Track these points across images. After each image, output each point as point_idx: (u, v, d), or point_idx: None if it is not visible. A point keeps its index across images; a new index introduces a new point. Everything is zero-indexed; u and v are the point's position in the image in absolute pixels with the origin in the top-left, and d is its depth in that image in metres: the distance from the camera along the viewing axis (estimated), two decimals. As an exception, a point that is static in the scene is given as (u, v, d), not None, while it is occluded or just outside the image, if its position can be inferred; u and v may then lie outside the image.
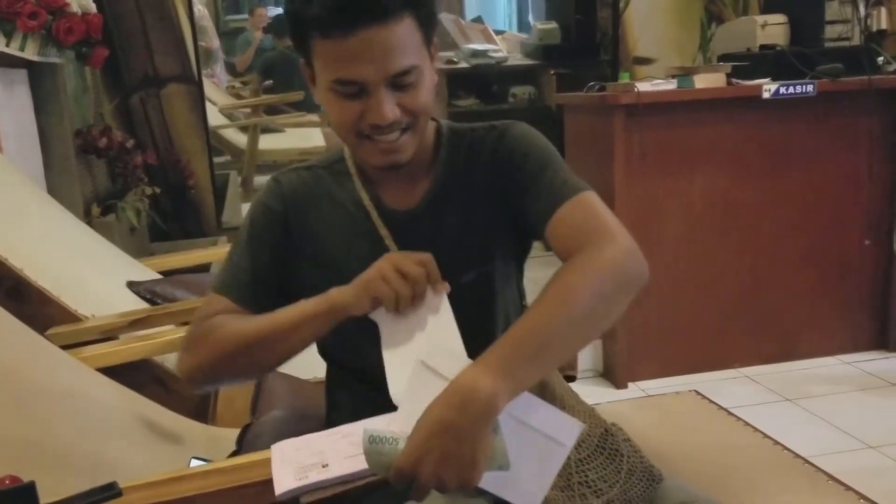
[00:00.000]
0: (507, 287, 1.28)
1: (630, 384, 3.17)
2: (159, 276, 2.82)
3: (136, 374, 2.00)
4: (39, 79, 3.14)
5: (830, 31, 3.40)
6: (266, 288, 1.23)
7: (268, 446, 1.40)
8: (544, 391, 1.15)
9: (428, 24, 1.13)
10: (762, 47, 3.26)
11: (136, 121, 4.36)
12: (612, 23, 4.68)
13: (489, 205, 1.23)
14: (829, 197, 3.22)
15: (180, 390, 2.08)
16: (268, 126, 6.14)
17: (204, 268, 3.14)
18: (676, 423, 2.82)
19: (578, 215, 1.12)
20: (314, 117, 5.92)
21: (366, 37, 1.06)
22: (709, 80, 3.07)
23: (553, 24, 5.11)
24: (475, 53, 5.23)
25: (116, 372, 1.89)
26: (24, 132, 3.07)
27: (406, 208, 1.24)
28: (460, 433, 0.89)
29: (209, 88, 5.30)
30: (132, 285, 2.58)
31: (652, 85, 3.07)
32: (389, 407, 1.02)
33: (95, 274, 2.57)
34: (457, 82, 5.32)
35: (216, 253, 3.23)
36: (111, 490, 1.00)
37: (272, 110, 6.27)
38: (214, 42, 6.27)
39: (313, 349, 1.34)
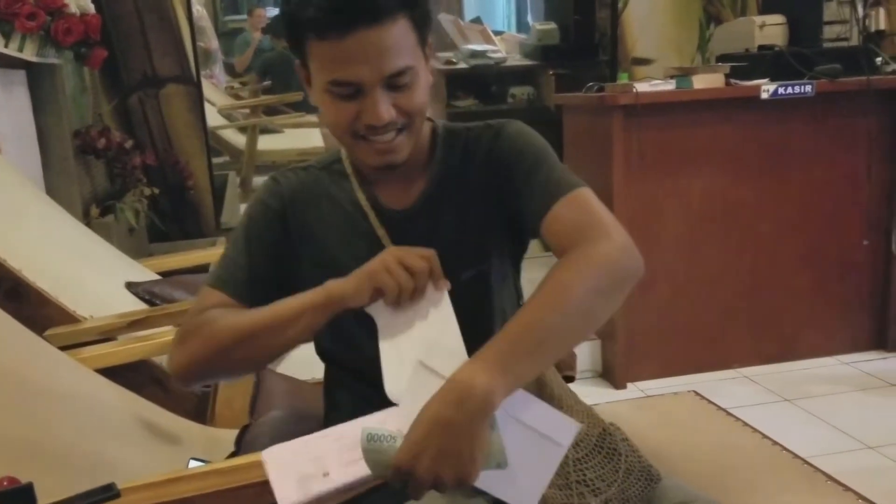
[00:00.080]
0: (504, 286, 1.28)
1: (629, 384, 3.17)
2: (158, 277, 2.82)
3: (135, 375, 2.00)
4: (38, 79, 3.15)
5: (829, 32, 3.40)
6: (262, 284, 1.22)
7: (266, 447, 1.40)
8: (542, 391, 1.15)
9: (423, 25, 1.13)
10: (760, 48, 3.26)
11: (134, 121, 4.35)
12: (610, 23, 4.68)
13: (485, 203, 1.23)
14: (828, 197, 3.23)
15: (179, 391, 2.08)
16: (266, 127, 6.15)
17: (203, 268, 3.13)
18: (675, 424, 2.82)
19: (573, 212, 1.13)
20: (313, 118, 5.92)
21: (361, 38, 1.06)
22: (707, 81, 3.07)
23: (552, 25, 5.11)
24: (474, 54, 5.23)
25: (115, 373, 1.89)
26: (23, 133, 3.07)
27: (402, 208, 1.25)
28: (457, 429, 0.90)
29: (208, 89, 5.30)
30: (131, 286, 2.58)
31: (650, 85, 3.07)
32: (388, 405, 1.02)
33: (94, 275, 2.57)
34: (456, 83, 5.32)
35: (215, 254, 3.22)
36: (109, 491, 1.00)
37: (271, 111, 6.27)
38: (213, 43, 6.27)
39: (311, 350, 1.34)
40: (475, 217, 1.24)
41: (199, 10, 5.46)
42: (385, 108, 1.10)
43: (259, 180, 5.44)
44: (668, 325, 3.19)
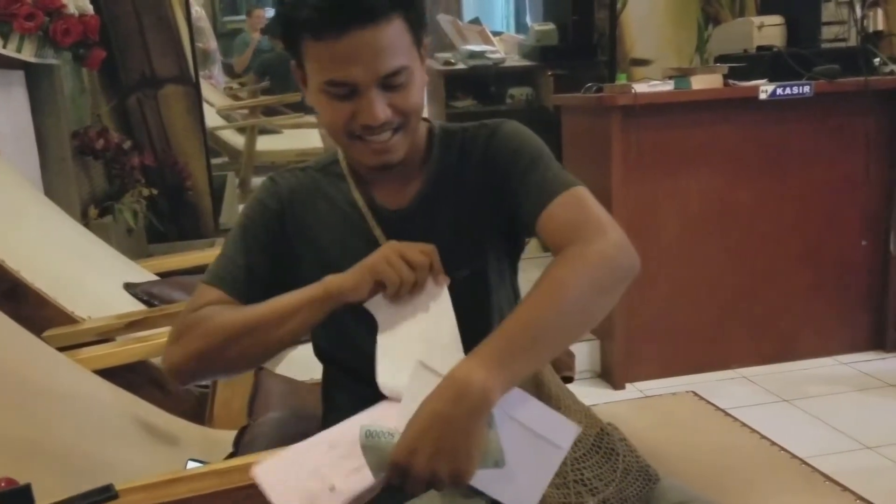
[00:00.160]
0: (501, 284, 1.29)
1: (628, 385, 3.17)
2: (156, 278, 2.82)
3: (133, 376, 2.00)
4: (36, 80, 3.14)
5: (827, 32, 3.40)
6: (259, 283, 1.22)
7: (265, 448, 1.40)
8: (540, 390, 1.15)
9: (418, 25, 1.14)
10: (759, 48, 3.26)
11: (133, 122, 4.35)
12: (609, 24, 4.68)
13: (481, 202, 1.24)
14: (827, 197, 3.23)
15: (177, 392, 2.07)
16: (265, 127, 6.15)
17: (201, 269, 3.10)
18: (674, 424, 2.82)
19: (569, 210, 1.13)
20: (312, 118, 5.91)
21: (356, 38, 1.07)
22: (706, 82, 3.07)
23: (550, 26, 5.11)
24: (473, 55, 5.23)
25: (113, 374, 1.89)
26: (21, 133, 3.07)
27: (398, 208, 1.25)
28: (455, 425, 0.90)
29: (207, 90, 5.30)
30: (129, 287, 2.58)
31: (649, 86, 3.07)
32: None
33: (92, 275, 2.57)
34: (454, 83, 5.32)
35: (214, 254, 3.18)
36: (107, 492, 1.00)
37: (270, 111, 6.27)
38: (212, 43, 6.27)
39: (310, 351, 1.34)
40: (471, 216, 1.24)
41: (197, 10, 5.46)
42: (381, 108, 1.11)
43: (258, 181, 5.43)
44: (667, 325, 3.19)
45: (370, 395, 1.07)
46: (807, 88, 3.05)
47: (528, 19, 7.01)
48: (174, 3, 4.29)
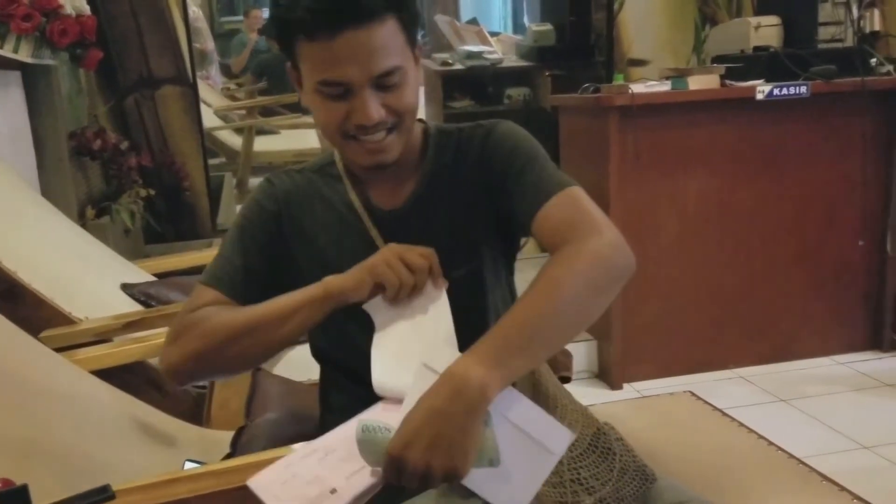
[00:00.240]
0: (497, 284, 1.29)
1: (625, 385, 3.17)
2: (153, 279, 2.82)
3: (131, 377, 2.00)
4: (33, 81, 3.14)
5: (824, 33, 3.41)
6: (257, 283, 1.23)
7: (262, 448, 1.40)
8: (537, 390, 1.15)
9: (411, 26, 1.15)
10: (756, 49, 3.27)
11: (130, 122, 4.35)
12: (606, 24, 4.68)
13: (476, 202, 1.24)
14: (823, 198, 3.23)
15: (174, 393, 2.07)
16: (263, 128, 6.14)
17: (199, 270, 3.10)
18: (671, 424, 2.83)
19: (564, 210, 1.14)
20: (309, 119, 5.89)
21: (349, 39, 1.07)
22: (703, 82, 3.07)
23: (548, 26, 5.11)
24: (470, 55, 5.24)
25: (110, 374, 1.89)
26: (18, 134, 3.06)
27: (394, 208, 1.26)
28: (451, 420, 0.91)
29: (204, 90, 5.29)
30: (126, 287, 2.58)
31: (646, 86, 3.07)
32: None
33: (89, 276, 2.57)
34: (452, 84, 5.32)
35: (211, 255, 3.18)
36: (105, 493, 1.00)
37: (267, 112, 6.26)
38: (209, 44, 6.26)
39: (307, 352, 1.34)
40: (467, 216, 1.25)
41: (194, 11, 5.45)
42: (374, 108, 1.12)
43: (255, 181, 5.43)
44: (665, 325, 3.19)
45: (367, 395, 1.07)
46: (804, 89, 3.05)
47: (525, 20, 7.02)
48: (171, 3, 4.29)
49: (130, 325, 2.12)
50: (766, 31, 3.27)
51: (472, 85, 5.39)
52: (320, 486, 0.94)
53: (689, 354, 3.23)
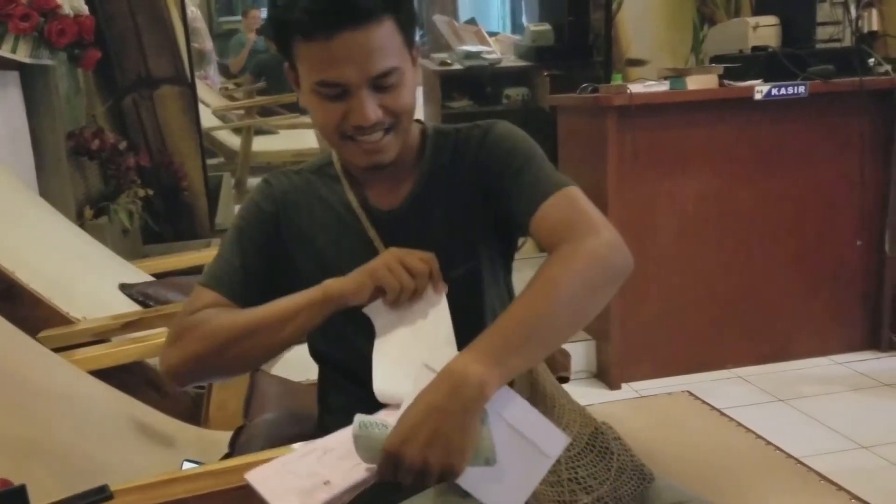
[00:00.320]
0: (495, 284, 1.29)
1: (623, 385, 3.17)
2: (152, 279, 2.81)
3: (129, 377, 2.00)
4: (31, 81, 3.14)
5: (822, 33, 3.40)
6: (256, 284, 1.23)
7: (260, 449, 1.40)
8: (535, 389, 1.15)
9: (408, 27, 1.15)
10: (754, 49, 3.27)
11: (128, 122, 4.35)
12: (604, 24, 4.68)
13: (474, 202, 1.25)
14: (822, 198, 3.23)
15: (173, 393, 2.07)
16: (261, 128, 6.15)
17: (197, 270, 3.11)
18: (669, 424, 2.83)
19: (562, 210, 1.14)
20: (307, 119, 5.87)
21: (347, 40, 1.07)
22: (701, 82, 3.07)
23: (546, 26, 5.12)
24: (469, 55, 5.24)
25: (108, 374, 1.89)
26: (16, 134, 3.06)
27: (392, 208, 1.26)
28: (449, 417, 0.91)
29: (202, 90, 5.30)
30: (124, 287, 2.58)
31: (644, 86, 3.07)
32: (381, 406, 1.03)
33: (88, 276, 2.57)
34: (450, 84, 5.33)
35: (209, 255, 3.19)
36: (102, 493, 1.00)
37: (265, 112, 6.27)
38: (207, 44, 6.27)
39: (305, 352, 1.34)
40: (464, 216, 1.25)
41: (193, 11, 5.46)
42: (371, 109, 1.12)
43: (254, 181, 5.43)
44: (663, 325, 3.19)
45: (365, 395, 1.07)
46: (802, 89, 3.05)
47: (523, 20, 7.03)
48: (170, 3, 4.29)
49: (128, 325, 2.12)
50: (764, 30, 3.28)
51: (470, 85, 5.39)
52: (314, 479, 0.95)
53: (687, 354, 3.24)
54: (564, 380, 1.38)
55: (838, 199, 3.24)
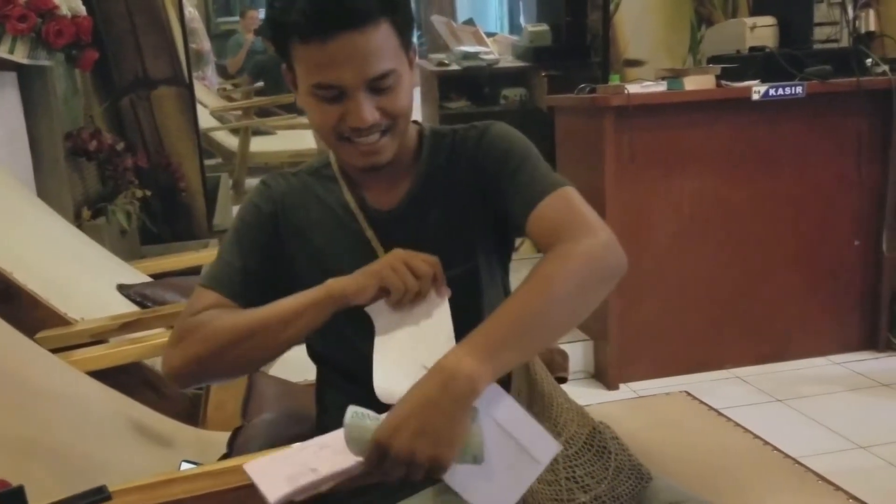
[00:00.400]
0: (492, 284, 1.30)
1: (621, 385, 3.17)
2: (150, 279, 2.81)
3: (127, 378, 2.00)
4: (29, 82, 3.14)
5: (819, 33, 3.41)
6: (256, 285, 1.23)
7: (258, 449, 1.40)
8: (533, 388, 1.16)
9: (405, 29, 1.16)
10: (751, 49, 3.27)
11: (126, 123, 4.34)
12: (602, 25, 4.68)
13: (471, 203, 1.25)
14: (819, 198, 3.24)
15: (171, 394, 2.07)
16: (259, 128, 6.14)
17: (195, 271, 3.13)
18: (667, 424, 2.83)
19: (558, 210, 1.15)
20: (305, 120, 5.89)
21: (344, 42, 1.08)
22: (698, 82, 3.08)
23: (544, 27, 5.11)
24: (466, 55, 5.24)
25: (106, 375, 1.88)
26: (14, 135, 3.06)
27: (389, 208, 1.27)
28: (440, 410, 0.92)
29: (200, 91, 5.29)
30: (122, 288, 2.58)
31: (642, 87, 3.08)
32: (380, 406, 1.03)
33: (85, 277, 2.57)
34: (448, 84, 5.33)
35: (207, 256, 3.22)
36: (101, 494, 1.00)
37: (263, 112, 6.27)
38: (205, 44, 6.26)
39: (304, 352, 1.34)
40: (462, 216, 1.25)
41: (191, 11, 5.45)
42: (368, 111, 1.12)
43: (252, 182, 5.43)
44: (661, 325, 3.20)
45: (364, 395, 1.07)
46: (799, 89, 3.06)
47: (521, 20, 7.03)
48: (167, 4, 4.29)
49: (126, 325, 2.12)
50: (761, 31, 3.28)
51: (468, 85, 5.39)
52: (303, 468, 0.97)
53: (685, 355, 3.24)
54: (562, 380, 1.38)
55: (836, 200, 3.25)
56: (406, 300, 1.09)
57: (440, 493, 1.02)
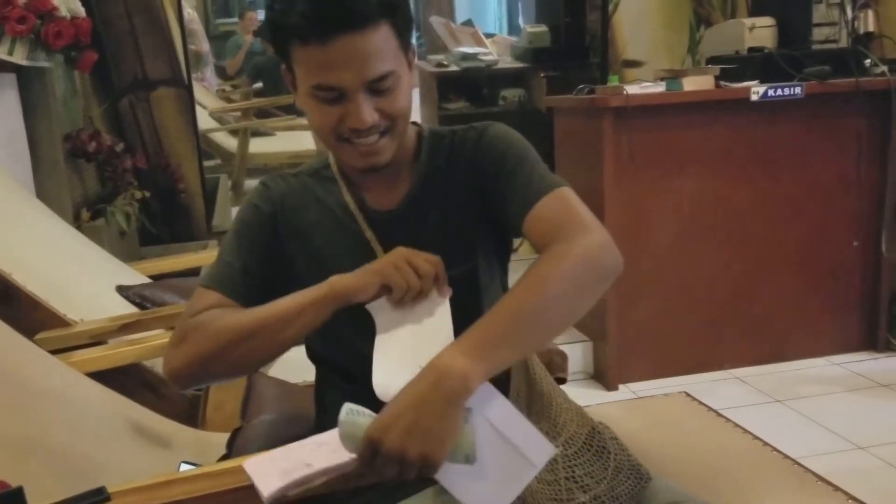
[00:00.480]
0: (491, 284, 1.30)
1: (620, 386, 3.17)
2: (149, 281, 2.81)
3: (126, 379, 2.00)
4: (28, 83, 3.14)
5: (818, 34, 3.41)
6: (257, 285, 1.24)
7: (257, 450, 1.40)
8: (532, 388, 1.16)
9: (405, 31, 1.16)
10: (750, 50, 3.27)
11: (125, 124, 4.35)
12: (601, 26, 4.69)
13: (469, 203, 1.26)
14: (818, 198, 3.24)
15: (170, 395, 2.07)
16: (258, 129, 6.14)
17: (194, 272, 3.13)
18: (666, 425, 2.83)
19: (554, 210, 1.16)
20: (304, 121, 5.90)
21: (343, 44, 1.08)
22: (697, 83, 3.08)
23: (543, 28, 5.12)
24: (465, 56, 5.24)
25: (105, 376, 1.88)
26: (13, 136, 3.06)
27: (388, 209, 1.27)
28: (431, 407, 0.93)
29: (199, 92, 5.29)
30: (121, 289, 2.58)
31: (641, 87, 3.08)
32: (379, 407, 1.03)
33: (84, 278, 2.57)
34: (447, 85, 5.33)
35: (206, 257, 3.22)
36: (100, 495, 0.99)
37: (262, 114, 6.27)
38: (204, 45, 6.26)
39: (303, 353, 1.35)
40: (460, 217, 1.26)
41: (189, 12, 5.45)
42: (368, 112, 1.13)
43: (251, 183, 5.43)
44: (660, 326, 3.20)
45: (363, 396, 1.07)
46: (798, 90, 3.06)
47: (520, 21, 7.03)
48: (166, 5, 4.29)
49: (126, 327, 2.12)
50: (760, 32, 3.28)
51: (467, 86, 5.39)
52: (298, 463, 0.98)
53: (684, 355, 3.24)
54: (561, 381, 1.38)
55: (835, 200, 3.25)
56: (408, 298, 1.10)
57: (440, 493, 1.02)
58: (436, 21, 5.79)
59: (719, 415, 2.85)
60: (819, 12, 3.42)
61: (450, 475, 0.95)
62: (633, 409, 3.00)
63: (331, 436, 1.00)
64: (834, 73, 3.09)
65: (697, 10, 4.68)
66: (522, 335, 1.01)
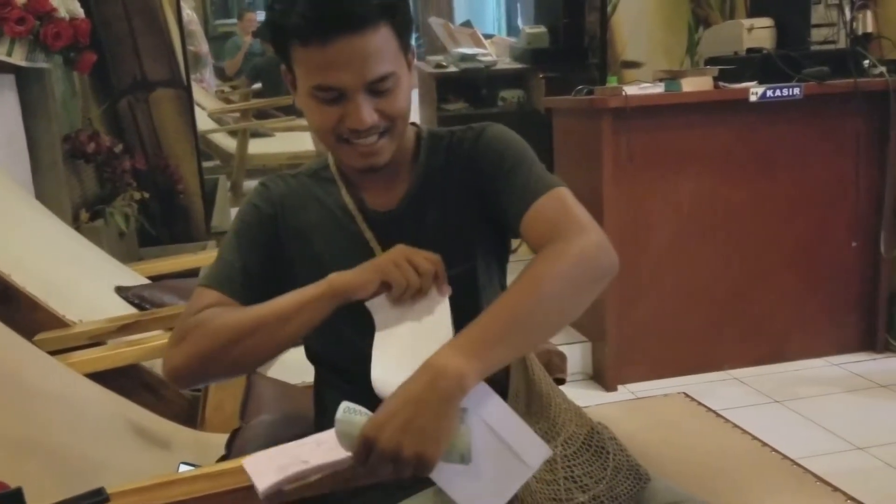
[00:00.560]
0: (490, 284, 1.30)
1: (619, 387, 3.17)
2: (148, 282, 2.81)
3: (125, 380, 2.00)
4: (27, 84, 3.14)
5: (816, 35, 3.41)
6: (256, 284, 1.24)
7: (257, 451, 1.40)
8: (531, 388, 1.16)
9: (404, 32, 1.16)
10: (749, 51, 3.28)
11: (124, 125, 4.35)
12: (600, 26, 4.69)
13: (468, 204, 1.26)
14: (817, 199, 3.24)
15: (169, 395, 2.07)
16: (257, 130, 6.15)
17: (193, 273, 3.12)
18: (665, 426, 2.82)
19: (551, 210, 1.16)
20: (303, 122, 5.88)
21: (343, 45, 1.09)
22: (696, 84, 3.08)
23: (541, 28, 5.12)
24: (464, 57, 5.25)
25: (104, 377, 1.88)
26: (12, 137, 3.06)
27: (387, 209, 1.27)
28: (426, 407, 0.93)
29: (198, 93, 5.29)
30: (120, 290, 2.58)
31: (639, 88, 3.08)
32: (377, 407, 1.03)
33: (83, 279, 2.56)
34: (446, 86, 5.34)
35: (205, 258, 3.22)
36: (99, 496, 0.99)
37: (261, 114, 6.27)
38: (203, 46, 6.27)
39: (302, 354, 1.35)
40: (459, 217, 1.26)
41: (188, 13, 5.46)
42: (367, 113, 1.13)
43: (250, 184, 5.43)
44: (659, 327, 3.20)
45: (362, 395, 1.07)
46: (797, 90, 3.06)
47: (519, 22, 7.04)
48: (165, 6, 4.29)
49: (125, 328, 2.12)
50: (759, 32, 3.28)
51: (466, 87, 5.40)
52: (295, 460, 0.99)
53: (683, 356, 3.24)
54: (560, 381, 1.38)
55: (833, 201, 3.25)
56: (407, 296, 1.09)
57: (440, 494, 1.02)
58: (435, 22, 5.79)
59: (718, 415, 2.85)
60: (818, 13, 3.42)
61: (445, 475, 0.95)
62: (632, 409, 3.00)
63: (329, 435, 1.01)
64: (832, 73, 3.09)
65: (696, 10, 4.68)
66: (518, 335, 1.02)
